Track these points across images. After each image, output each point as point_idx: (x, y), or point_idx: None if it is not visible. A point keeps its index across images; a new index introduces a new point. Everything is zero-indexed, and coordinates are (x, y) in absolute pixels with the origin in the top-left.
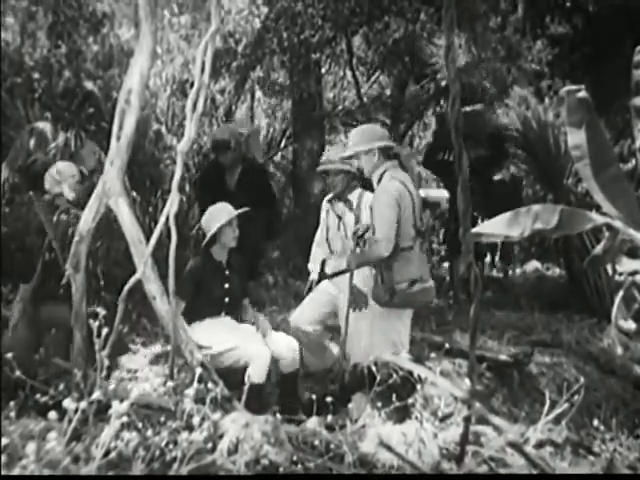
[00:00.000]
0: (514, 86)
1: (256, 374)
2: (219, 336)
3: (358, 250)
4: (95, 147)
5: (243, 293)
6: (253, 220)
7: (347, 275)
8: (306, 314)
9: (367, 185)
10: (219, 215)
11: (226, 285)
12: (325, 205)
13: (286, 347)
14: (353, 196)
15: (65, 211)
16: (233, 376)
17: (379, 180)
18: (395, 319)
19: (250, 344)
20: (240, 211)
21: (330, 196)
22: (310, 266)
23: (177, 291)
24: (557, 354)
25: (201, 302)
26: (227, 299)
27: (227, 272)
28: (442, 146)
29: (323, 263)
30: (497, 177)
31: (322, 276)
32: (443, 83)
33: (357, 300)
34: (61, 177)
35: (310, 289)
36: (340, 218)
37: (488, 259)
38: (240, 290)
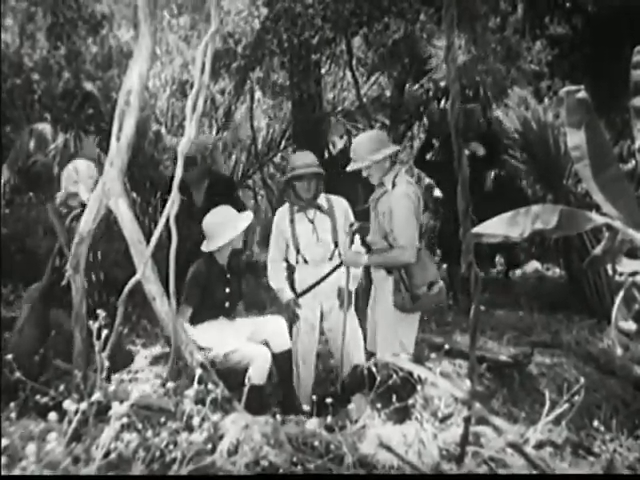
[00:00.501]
0: (513, 86)
1: (257, 375)
2: (219, 338)
3: (353, 247)
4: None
5: (240, 296)
6: None
7: (333, 279)
8: (308, 347)
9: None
10: (232, 221)
11: (227, 289)
12: (287, 215)
13: (274, 327)
14: (321, 201)
15: (77, 217)
16: (233, 377)
17: (393, 185)
18: (408, 322)
19: (250, 345)
20: (249, 217)
21: (293, 204)
22: (274, 285)
23: (185, 298)
24: (557, 355)
25: (203, 306)
26: (227, 303)
27: (228, 275)
28: (432, 144)
29: (292, 280)
30: (492, 176)
31: (297, 292)
32: (442, 83)
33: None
34: (79, 177)
35: (296, 306)
36: (312, 223)
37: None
38: (239, 293)
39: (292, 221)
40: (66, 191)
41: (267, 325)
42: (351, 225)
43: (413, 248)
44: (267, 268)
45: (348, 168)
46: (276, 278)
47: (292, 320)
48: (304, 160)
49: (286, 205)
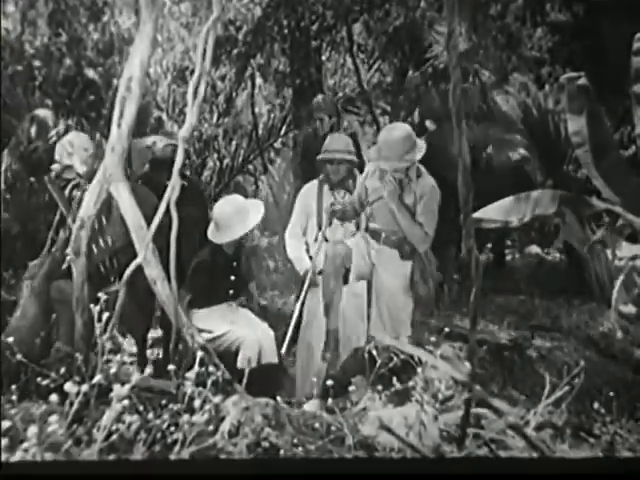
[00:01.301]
0: (514, 73)
1: (243, 359)
2: (215, 322)
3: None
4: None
5: (247, 283)
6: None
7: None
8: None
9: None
10: (242, 215)
11: (232, 277)
12: (314, 191)
13: (264, 337)
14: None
15: (76, 186)
16: (228, 360)
17: (417, 175)
18: (410, 304)
19: (240, 329)
20: (260, 211)
21: (324, 182)
22: (292, 254)
23: (186, 285)
24: (557, 338)
25: (206, 293)
26: (232, 290)
27: (234, 263)
28: (426, 128)
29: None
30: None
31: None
32: (442, 66)
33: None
34: (73, 149)
35: (317, 273)
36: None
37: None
38: (245, 281)
39: (320, 197)
40: (61, 164)
41: (258, 332)
42: (332, 204)
43: (431, 239)
44: (285, 241)
45: (385, 166)
46: (295, 248)
47: (312, 284)
48: (337, 145)
49: (314, 181)
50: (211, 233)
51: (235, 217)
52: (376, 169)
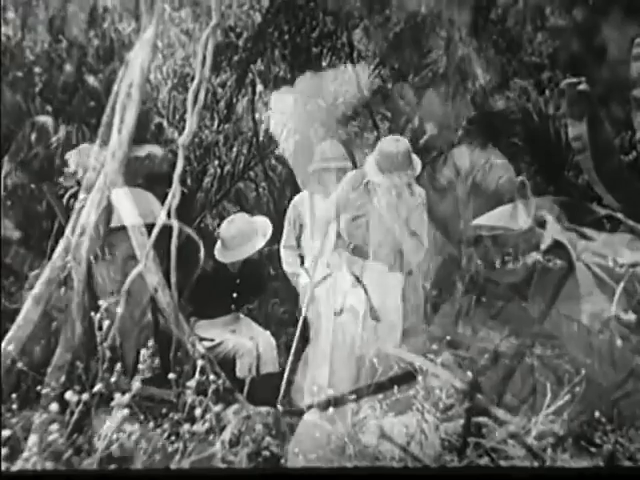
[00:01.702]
0: (514, 78)
1: (241, 368)
2: (217, 330)
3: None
4: None
5: (251, 299)
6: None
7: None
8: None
9: None
10: (248, 236)
11: (234, 294)
12: (306, 201)
13: (265, 346)
14: None
15: (74, 195)
16: (227, 369)
17: (408, 185)
18: (401, 311)
19: (235, 338)
20: (267, 232)
21: (315, 192)
22: (289, 269)
23: (191, 298)
24: (558, 346)
25: (207, 306)
26: (233, 306)
27: (238, 280)
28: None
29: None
30: None
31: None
32: (441, 71)
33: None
34: (79, 150)
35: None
36: None
37: None
38: (248, 298)
39: (312, 208)
40: (69, 167)
41: (259, 341)
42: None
43: (425, 250)
44: (280, 254)
45: (380, 180)
46: (289, 263)
47: (311, 300)
48: (333, 152)
49: (305, 192)
50: (217, 252)
51: (242, 238)
52: (362, 180)
